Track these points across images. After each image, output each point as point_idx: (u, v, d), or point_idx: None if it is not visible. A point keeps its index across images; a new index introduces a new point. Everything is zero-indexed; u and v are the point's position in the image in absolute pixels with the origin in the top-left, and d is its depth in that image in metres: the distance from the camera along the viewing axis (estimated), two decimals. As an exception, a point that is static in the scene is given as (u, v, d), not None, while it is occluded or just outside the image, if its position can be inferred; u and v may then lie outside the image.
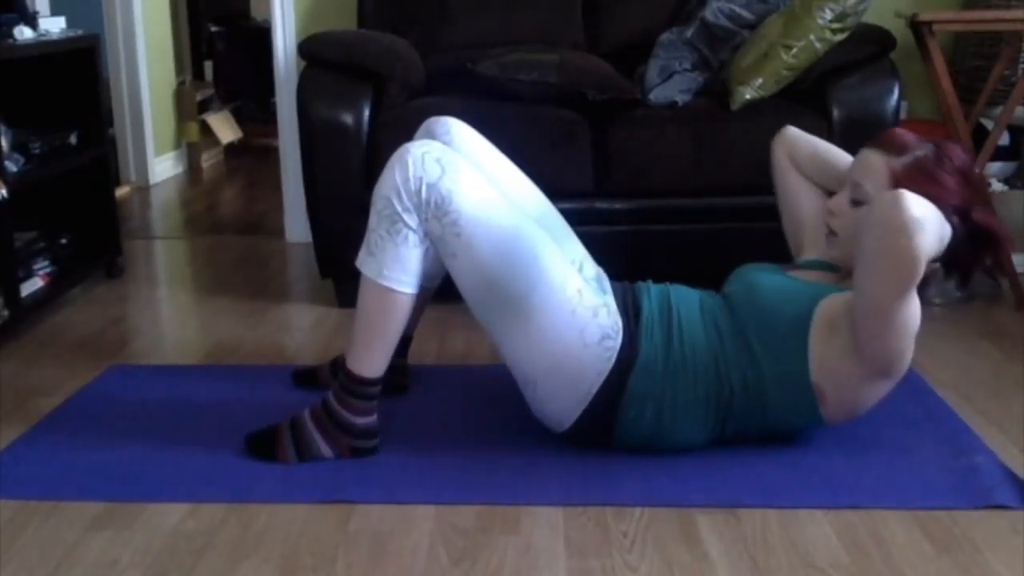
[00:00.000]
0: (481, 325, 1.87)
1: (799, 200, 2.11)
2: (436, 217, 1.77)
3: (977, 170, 2.70)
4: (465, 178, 1.78)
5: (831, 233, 1.88)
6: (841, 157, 2.03)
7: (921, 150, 1.79)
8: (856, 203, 1.83)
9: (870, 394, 1.79)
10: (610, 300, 1.85)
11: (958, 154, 1.79)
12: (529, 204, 2.01)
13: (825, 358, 1.75)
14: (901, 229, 1.53)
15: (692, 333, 1.84)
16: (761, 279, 1.89)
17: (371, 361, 1.85)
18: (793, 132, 2.13)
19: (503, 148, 2.13)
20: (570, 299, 1.78)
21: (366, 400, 1.87)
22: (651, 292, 1.94)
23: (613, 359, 1.79)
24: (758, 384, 1.80)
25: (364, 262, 1.84)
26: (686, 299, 1.92)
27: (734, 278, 1.99)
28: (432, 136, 2.03)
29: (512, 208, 1.82)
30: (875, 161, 1.81)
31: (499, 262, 1.77)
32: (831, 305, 1.77)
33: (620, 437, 1.85)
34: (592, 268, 2.01)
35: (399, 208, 1.78)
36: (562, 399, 1.83)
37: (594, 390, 1.80)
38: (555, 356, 1.79)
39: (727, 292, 1.95)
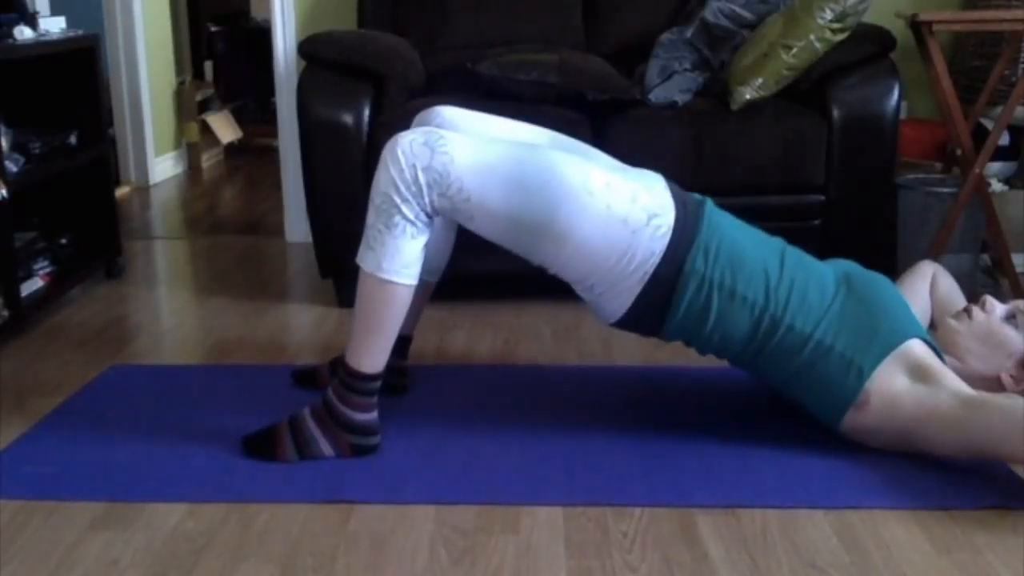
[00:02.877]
0: (522, 257, 1.87)
1: (914, 301, 2.19)
2: (441, 193, 1.78)
3: (977, 169, 2.71)
4: (452, 144, 1.79)
5: (967, 314, 1.98)
6: (962, 303, 2.17)
7: None
8: (1008, 321, 1.94)
9: (901, 439, 1.83)
10: (652, 182, 1.86)
11: None
12: (539, 138, 2.02)
13: (893, 385, 1.80)
14: None
15: (762, 250, 1.88)
16: (887, 281, 1.96)
17: (371, 356, 1.86)
18: (944, 272, 2.26)
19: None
20: (601, 198, 1.78)
21: (366, 396, 1.87)
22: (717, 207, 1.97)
23: (667, 237, 1.80)
24: (822, 348, 1.83)
25: (363, 257, 1.84)
26: (762, 233, 1.96)
27: (848, 262, 2.03)
28: (424, 124, 2.03)
29: (508, 143, 1.83)
30: None
31: (516, 201, 1.78)
32: (926, 353, 1.85)
33: (671, 320, 1.86)
34: (631, 169, 1.97)
35: (398, 200, 1.79)
36: (618, 284, 1.83)
37: (651, 271, 1.81)
38: (606, 255, 1.80)
39: (841, 267, 1.98)
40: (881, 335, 1.83)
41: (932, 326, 2.17)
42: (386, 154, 1.81)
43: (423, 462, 1.87)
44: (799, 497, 1.73)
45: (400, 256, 1.81)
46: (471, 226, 1.83)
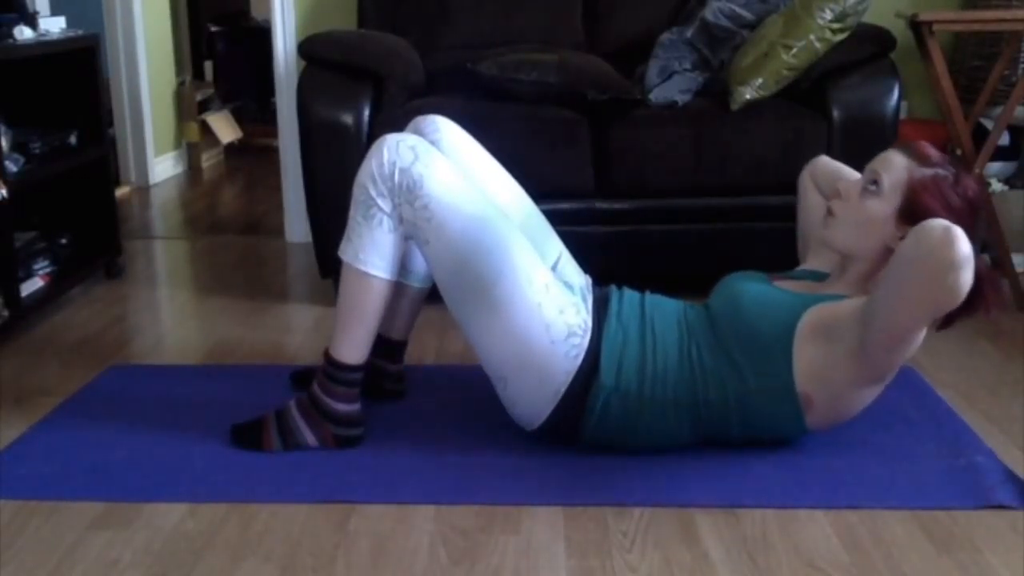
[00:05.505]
0: (454, 316, 1.88)
1: (812, 214, 2.13)
2: (408, 201, 1.81)
3: (977, 169, 2.71)
4: (437, 165, 1.82)
5: (830, 214, 1.86)
6: (852, 174, 2.04)
7: (943, 169, 1.79)
8: (866, 192, 1.82)
9: (860, 399, 1.81)
10: (580, 301, 1.86)
11: (972, 186, 1.80)
12: (510, 204, 2.02)
13: (815, 366, 1.75)
14: (952, 265, 1.51)
15: (664, 339, 1.86)
16: (745, 290, 1.88)
17: (351, 346, 1.88)
18: (824, 158, 2.17)
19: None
20: (536, 292, 1.80)
21: (347, 386, 1.89)
22: (624, 294, 1.96)
23: (580, 357, 1.80)
24: (741, 397, 1.80)
25: (343, 248, 1.88)
26: (661, 306, 1.94)
27: (718, 290, 1.98)
28: (421, 133, 2.05)
29: (485, 201, 1.84)
30: (898, 161, 1.81)
31: (468, 249, 1.79)
32: (819, 314, 1.77)
33: (589, 435, 1.86)
34: (575, 275, 2.02)
35: (374, 193, 1.82)
36: (533, 397, 1.84)
37: (563, 390, 1.81)
38: (523, 351, 1.80)
39: (710, 305, 1.95)
40: (775, 345, 1.78)
41: None
42: (373, 147, 1.85)
43: (423, 462, 1.87)
44: (799, 497, 1.73)
45: (376, 248, 1.84)
46: (425, 253, 1.84)
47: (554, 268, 1.99)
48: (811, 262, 2.09)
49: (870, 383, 1.77)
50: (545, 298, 1.80)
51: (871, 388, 1.79)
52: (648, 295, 1.98)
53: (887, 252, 1.81)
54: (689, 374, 1.82)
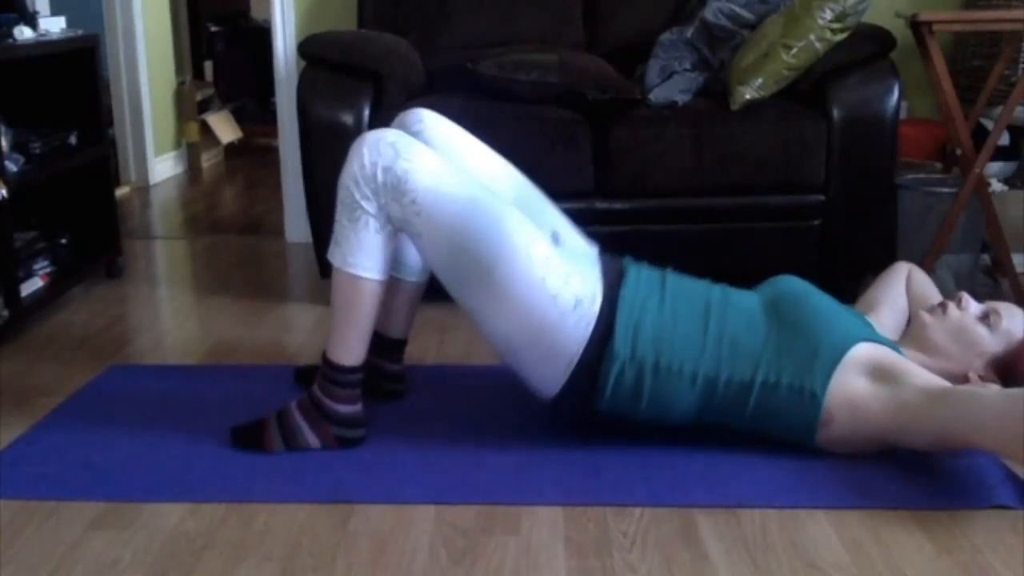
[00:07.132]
0: (458, 303, 1.88)
1: (891, 299, 2.18)
2: (395, 199, 1.79)
3: (977, 169, 2.71)
4: (419, 157, 1.80)
5: (943, 309, 1.94)
6: (938, 296, 2.14)
7: None
8: (982, 320, 1.91)
9: (871, 442, 1.83)
10: (584, 267, 1.85)
11: None
12: (501, 182, 2.01)
13: (851, 393, 1.78)
14: None
15: (688, 313, 1.86)
16: (816, 293, 1.94)
17: (347, 348, 1.87)
18: (921, 271, 2.25)
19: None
20: (538, 266, 1.79)
21: (347, 388, 1.89)
22: (643, 268, 1.96)
23: (591, 326, 1.80)
24: (768, 385, 1.81)
25: (332, 253, 1.88)
26: (685, 282, 1.94)
27: (777, 283, 2.00)
28: (404, 127, 2.04)
29: (473, 183, 1.83)
30: (1021, 320, 1.91)
31: (462, 234, 1.78)
32: (882, 354, 1.82)
33: (604, 402, 1.85)
34: (580, 244, 2.00)
35: (358, 196, 1.81)
36: (546, 367, 1.83)
37: (576, 359, 1.81)
38: (532, 325, 1.79)
39: (768, 293, 1.96)
40: (821, 353, 1.79)
41: (910, 322, 2.15)
42: (352, 148, 1.83)
43: (423, 462, 1.87)
44: (799, 497, 1.73)
45: (364, 250, 1.83)
46: (419, 246, 1.84)
47: (557, 238, 1.96)
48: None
49: (883, 439, 1.80)
50: (548, 271, 1.79)
51: (881, 443, 1.82)
52: (670, 271, 1.98)
53: (961, 378, 1.89)
54: (715, 350, 1.82)
